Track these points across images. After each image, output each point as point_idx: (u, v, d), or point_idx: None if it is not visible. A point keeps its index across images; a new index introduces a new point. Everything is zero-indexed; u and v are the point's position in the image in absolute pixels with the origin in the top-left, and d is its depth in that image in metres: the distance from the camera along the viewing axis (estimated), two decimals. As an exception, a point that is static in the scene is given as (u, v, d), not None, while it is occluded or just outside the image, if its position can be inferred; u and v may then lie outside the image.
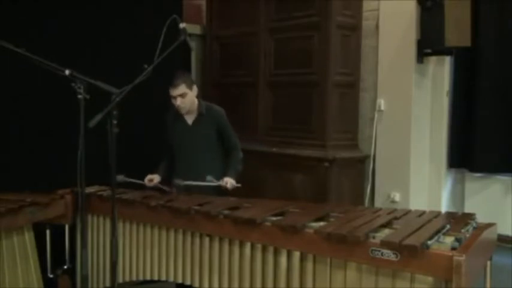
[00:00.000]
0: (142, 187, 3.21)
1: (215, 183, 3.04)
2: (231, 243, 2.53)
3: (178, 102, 3.12)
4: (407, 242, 1.98)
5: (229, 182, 3.08)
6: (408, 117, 4.29)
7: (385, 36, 4.41)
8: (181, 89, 3.10)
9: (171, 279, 2.80)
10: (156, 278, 2.88)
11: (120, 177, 3.03)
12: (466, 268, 1.86)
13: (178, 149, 3.28)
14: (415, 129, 4.33)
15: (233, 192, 3.10)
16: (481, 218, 2.48)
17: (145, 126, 3.86)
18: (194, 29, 5.19)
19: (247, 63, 4.87)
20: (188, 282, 2.72)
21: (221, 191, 3.11)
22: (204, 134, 3.21)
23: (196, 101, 3.23)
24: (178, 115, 3.24)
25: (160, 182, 3.25)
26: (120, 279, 2.97)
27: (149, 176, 3.23)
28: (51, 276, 3.12)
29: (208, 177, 3.03)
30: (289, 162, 4.42)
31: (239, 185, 3.12)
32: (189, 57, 4.83)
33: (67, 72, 2.24)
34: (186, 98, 3.13)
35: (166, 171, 3.31)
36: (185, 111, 3.20)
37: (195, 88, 3.20)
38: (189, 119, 3.25)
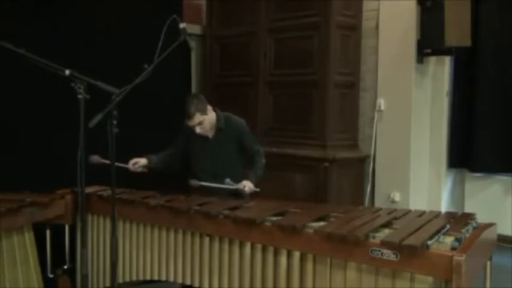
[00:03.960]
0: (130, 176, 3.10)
1: (233, 186, 2.99)
2: (231, 243, 2.53)
3: (198, 130, 3.05)
4: (407, 242, 1.98)
5: (247, 185, 3.02)
6: (408, 117, 4.30)
7: (385, 36, 4.41)
8: (197, 118, 3.00)
9: (171, 279, 2.79)
10: (156, 278, 2.88)
11: (95, 158, 2.98)
12: (466, 268, 1.86)
13: (197, 161, 3.21)
14: (415, 129, 4.33)
15: (250, 196, 3.06)
16: (481, 218, 2.48)
17: (145, 126, 3.86)
18: (194, 29, 5.18)
19: (247, 63, 4.87)
20: (188, 282, 2.72)
21: (238, 195, 3.05)
22: (224, 149, 3.15)
23: (214, 117, 3.14)
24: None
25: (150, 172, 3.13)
26: (120, 279, 2.97)
27: (134, 160, 3.14)
28: (51, 276, 3.12)
29: (227, 180, 2.97)
30: (289, 162, 4.41)
31: (258, 189, 3.07)
32: (189, 57, 4.82)
33: (67, 72, 2.24)
34: (204, 123, 3.05)
35: (160, 161, 3.21)
36: (208, 133, 3.13)
37: (209, 109, 3.09)
38: (209, 134, 3.17)
